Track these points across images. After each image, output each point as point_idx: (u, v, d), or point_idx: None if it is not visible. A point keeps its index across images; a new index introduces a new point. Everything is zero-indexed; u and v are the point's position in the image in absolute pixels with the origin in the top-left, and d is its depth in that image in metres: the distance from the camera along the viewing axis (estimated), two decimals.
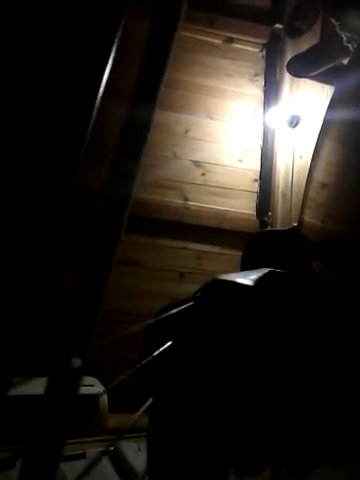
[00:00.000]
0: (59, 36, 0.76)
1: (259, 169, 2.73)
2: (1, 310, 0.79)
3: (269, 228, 2.60)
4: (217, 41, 2.67)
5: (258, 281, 0.88)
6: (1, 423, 1.31)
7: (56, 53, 0.76)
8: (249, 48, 2.73)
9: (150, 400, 0.93)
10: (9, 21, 0.74)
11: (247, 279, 0.88)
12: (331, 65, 2.07)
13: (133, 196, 0.80)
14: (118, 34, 0.74)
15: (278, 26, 2.67)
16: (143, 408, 0.95)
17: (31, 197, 0.77)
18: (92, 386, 2.03)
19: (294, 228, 1.19)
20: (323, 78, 2.44)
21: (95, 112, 0.75)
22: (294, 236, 1.15)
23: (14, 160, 0.77)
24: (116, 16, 0.74)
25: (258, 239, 1.35)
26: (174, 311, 0.96)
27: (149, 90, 0.77)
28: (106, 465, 1.69)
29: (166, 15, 0.77)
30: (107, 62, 0.74)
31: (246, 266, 1.24)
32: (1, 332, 0.79)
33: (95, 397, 1.98)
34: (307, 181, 1.08)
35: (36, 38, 0.75)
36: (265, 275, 0.91)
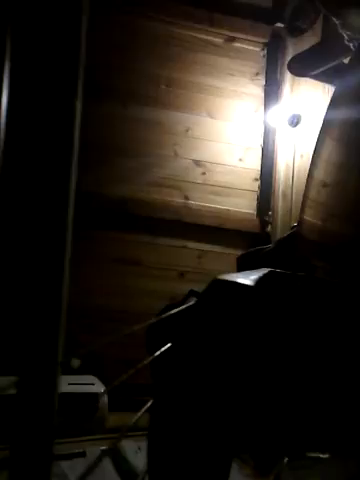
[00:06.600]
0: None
1: (260, 168, 2.73)
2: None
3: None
4: (218, 40, 2.67)
5: (259, 281, 0.88)
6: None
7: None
8: (250, 47, 2.73)
9: (151, 400, 0.93)
10: None
11: (248, 279, 0.89)
12: (332, 64, 2.06)
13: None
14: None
15: (279, 25, 2.66)
16: (145, 408, 0.95)
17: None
18: (92, 385, 2.04)
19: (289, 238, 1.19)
20: (324, 77, 2.43)
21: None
22: (293, 237, 1.15)
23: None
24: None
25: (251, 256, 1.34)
26: (175, 311, 0.96)
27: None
28: (106, 464, 1.70)
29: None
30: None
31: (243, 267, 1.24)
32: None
33: (95, 396, 1.98)
34: (307, 180, 1.08)
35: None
36: (265, 275, 0.91)
